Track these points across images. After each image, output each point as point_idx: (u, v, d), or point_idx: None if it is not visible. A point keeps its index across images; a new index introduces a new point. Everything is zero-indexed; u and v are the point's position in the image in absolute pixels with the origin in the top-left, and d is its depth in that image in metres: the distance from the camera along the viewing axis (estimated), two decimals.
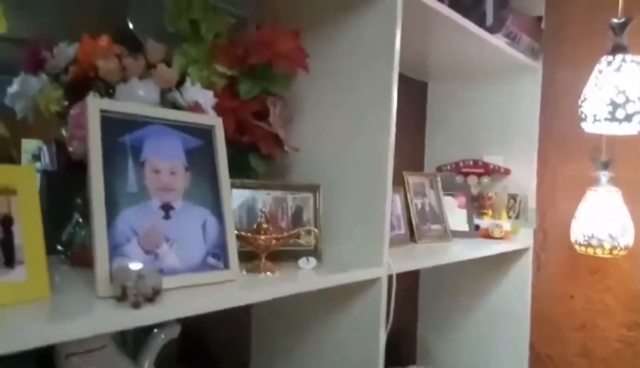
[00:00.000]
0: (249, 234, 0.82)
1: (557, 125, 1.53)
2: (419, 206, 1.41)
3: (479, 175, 1.61)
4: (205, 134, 0.79)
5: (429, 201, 1.45)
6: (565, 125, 1.51)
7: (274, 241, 0.83)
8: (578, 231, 1.30)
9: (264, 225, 0.84)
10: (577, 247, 1.32)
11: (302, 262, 0.88)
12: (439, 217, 1.45)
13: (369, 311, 0.99)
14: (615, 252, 1.25)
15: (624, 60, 1.15)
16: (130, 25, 1.01)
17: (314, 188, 1.01)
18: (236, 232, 0.79)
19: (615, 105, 1.13)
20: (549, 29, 1.57)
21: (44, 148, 0.88)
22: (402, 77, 1.64)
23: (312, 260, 0.88)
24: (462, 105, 1.72)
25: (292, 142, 1.07)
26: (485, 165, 1.60)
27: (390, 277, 0.98)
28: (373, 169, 1.00)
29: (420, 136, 1.82)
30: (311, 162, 1.09)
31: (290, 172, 1.12)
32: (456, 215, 1.54)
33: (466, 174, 1.62)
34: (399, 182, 1.41)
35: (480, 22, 1.27)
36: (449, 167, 1.64)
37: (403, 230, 1.33)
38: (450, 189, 1.57)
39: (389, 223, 0.98)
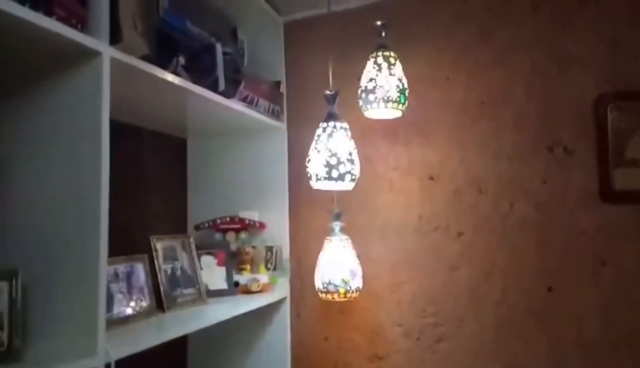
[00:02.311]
0: None
1: (304, 180, 1.66)
2: (169, 271, 1.36)
3: (237, 231, 1.64)
4: None
5: (181, 264, 1.41)
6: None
7: None
8: (318, 279, 1.41)
9: None
10: (319, 294, 1.42)
11: None
12: (192, 280, 1.41)
13: None
14: (348, 295, 1.39)
15: (335, 127, 1.32)
16: None
17: (10, 275, 0.87)
18: None
19: (330, 166, 1.28)
20: (290, 93, 1.73)
21: None
22: (158, 134, 1.61)
23: None
24: (219, 161, 1.75)
25: None
26: (242, 220, 1.64)
27: (108, 366, 0.89)
28: (83, 244, 0.91)
29: (184, 194, 1.78)
30: (14, 242, 0.95)
31: None
32: (216, 274, 1.54)
33: (224, 231, 1.64)
34: (146, 249, 1.34)
35: (214, 87, 1.31)
36: (206, 224, 1.64)
37: (148, 301, 1.25)
38: (209, 247, 1.56)
39: (104, 304, 0.91)
